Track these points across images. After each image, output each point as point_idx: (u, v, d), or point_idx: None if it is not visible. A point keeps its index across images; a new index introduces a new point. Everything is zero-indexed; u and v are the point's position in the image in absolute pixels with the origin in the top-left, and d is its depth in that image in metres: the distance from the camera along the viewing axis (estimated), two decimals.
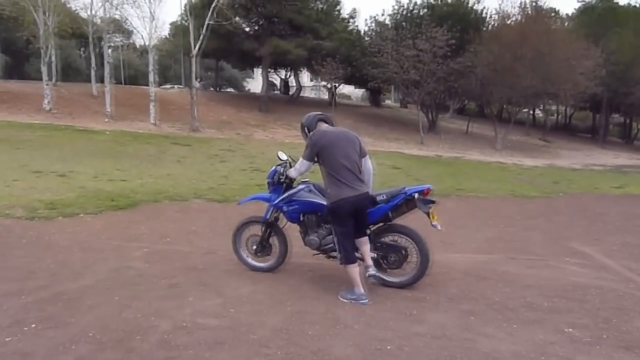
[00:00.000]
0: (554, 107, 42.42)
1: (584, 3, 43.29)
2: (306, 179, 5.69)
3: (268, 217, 5.74)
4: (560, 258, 6.80)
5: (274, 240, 5.86)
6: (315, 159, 5.09)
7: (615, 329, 4.43)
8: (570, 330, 4.40)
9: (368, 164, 5.21)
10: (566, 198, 12.55)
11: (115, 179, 11.75)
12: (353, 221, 5.02)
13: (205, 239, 7.31)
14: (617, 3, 40.34)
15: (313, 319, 4.48)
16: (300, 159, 5.21)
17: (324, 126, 5.27)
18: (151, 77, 23.69)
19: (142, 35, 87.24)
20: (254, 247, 5.84)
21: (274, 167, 5.70)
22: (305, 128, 5.33)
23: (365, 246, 5.13)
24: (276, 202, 5.60)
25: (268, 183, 5.73)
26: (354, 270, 4.98)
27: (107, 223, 8.06)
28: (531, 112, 41.72)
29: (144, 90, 25.03)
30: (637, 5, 39.78)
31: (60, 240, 6.97)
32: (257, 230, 5.86)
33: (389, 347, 3.94)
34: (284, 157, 5.72)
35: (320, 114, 5.42)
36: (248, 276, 5.62)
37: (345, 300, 4.91)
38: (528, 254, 7.01)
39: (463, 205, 11.11)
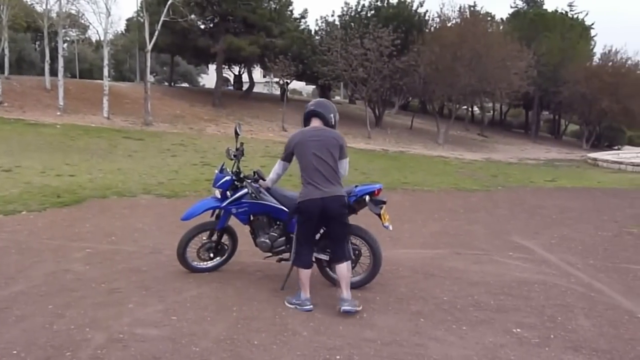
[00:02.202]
0: (490, 105, 43.09)
1: (516, 8, 44.15)
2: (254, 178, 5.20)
3: (225, 224, 5.25)
4: (503, 252, 6.59)
5: (226, 240, 5.39)
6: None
7: (562, 328, 4.19)
8: (518, 330, 4.13)
9: (343, 165, 4.55)
10: (505, 191, 12.52)
11: (63, 174, 10.97)
12: (316, 224, 4.52)
13: (151, 237, 6.74)
14: (546, 9, 41.27)
15: (260, 326, 4.04)
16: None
17: (313, 123, 4.59)
18: (105, 72, 22.67)
19: (97, 30, 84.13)
20: (209, 254, 5.32)
21: (220, 173, 5.19)
22: (303, 122, 4.74)
23: (344, 273, 4.42)
24: (225, 204, 5.12)
25: (217, 187, 5.20)
26: (304, 273, 4.51)
27: (50, 221, 7.37)
28: (470, 109, 42.27)
29: (98, 84, 23.86)
30: (564, 12, 40.77)
31: None
32: (206, 236, 5.32)
33: (338, 357, 3.56)
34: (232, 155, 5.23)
35: (314, 109, 4.60)
36: (193, 278, 5.12)
37: (290, 305, 4.46)
38: (473, 249, 6.78)
39: (409, 198, 10.88)
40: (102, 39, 23.60)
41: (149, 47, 22.01)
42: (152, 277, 5.15)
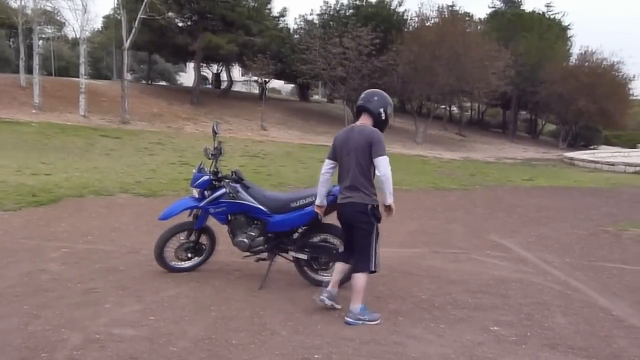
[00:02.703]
0: (468, 104, 43.49)
1: (494, 9, 44.63)
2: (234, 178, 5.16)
3: (203, 224, 5.21)
4: (481, 251, 6.65)
5: (205, 239, 5.35)
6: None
7: (539, 326, 4.24)
8: (496, 328, 4.17)
9: (378, 165, 4.04)
10: (483, 190, 12.65)
11: (38, 173, 10.79)
12: (346, 229, 4.30)
13: (128, 237, 6.66)
14: (524, 10, 41.81)
15: (238, 325, 4.02)
16: None
17: (362, 119, 4.29)
18: (82, 69, 22.29)
19: (73, 28, 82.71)
20: (187, 254, 5.28)
21: (199, 173, 5.15)
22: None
23: (356, 284, 4.17)
24: (203, 204, 5.08)
25: (195, 187, 5.15)
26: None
27: (26, 220, 7.25)
28: (448, 108, 42.62)
29: (75, 82, 23.50)
30: (541, 13, 41.34)
31: None
32: (184, 236, 5.27)
33: (316, 357, 3.55)
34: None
35: (362, 104, 4.29)
36: (171, 278, 5.07)
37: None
38: (451, 247, 6.83)
39: None
40: (78, 36, 23.24)
41: (127, 44, 21.76)
42: (129, 276, 5.09)
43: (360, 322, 4.08)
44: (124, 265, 5.46)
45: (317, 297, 4.33)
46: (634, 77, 35.94)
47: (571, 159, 23.85)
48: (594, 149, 36.43)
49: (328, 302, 4.29)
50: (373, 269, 4.20)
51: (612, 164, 20.52)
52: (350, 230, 4.25)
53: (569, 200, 11.46)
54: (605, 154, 28.19)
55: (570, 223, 8.79)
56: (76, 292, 4.64)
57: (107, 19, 35.84)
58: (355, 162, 4.11)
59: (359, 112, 4.34)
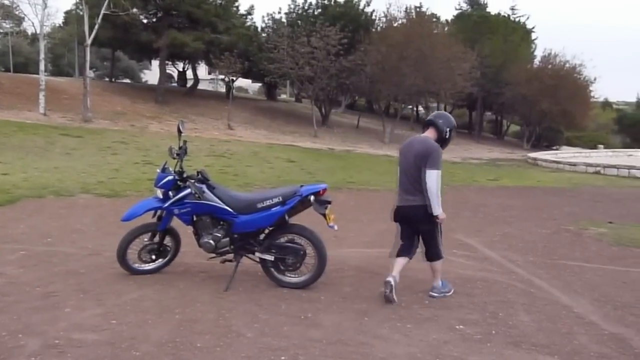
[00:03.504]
0: (435, 105, 44.04)
1: (460, 10, 45.35)
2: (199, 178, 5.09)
3: (167, 225, 5.13)
4: (447, 250, 6.66)
5: (169, 241, 5.27)
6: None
7: (503, 324, 4.33)
8: (461, 327, 4.23)
9: (428, 177, 4.50)
10: (449, 190, 12.78)
11: None
12: (408, 227, 4.82)
13: (90, 239, 6.52)
14: (489, 12, 42.60)
15: (203, 328, 3.97)
16: None
17: (427, 132, 4.83)
18: (42, 66, 21.67)
19: (33, 23, 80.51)
20: (151, 256, 5.19)
21: (163, 173, 5.07)
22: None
23: (436, 268, 4.89)
24: (167, 205, 5.00)
25: (159, 187, 5.07)
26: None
27: None
28: (415, 108, 43.09)
29: (34, 79, 22.87)
30: (506, 15, 42.18)
31: None
32: (147, 237, 5.19)
33: (283, 358, 3.54)
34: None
35: (432, 119, 4.85)
36: (134, 280, 4.98)
37: (439, 295, 4.83)
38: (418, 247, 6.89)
39: (354, 198, 10.98)
40: (38, 31, 22.55)
41: (89, 41, 21.29)
42: (90, 279, 4.98)
43: (443, 294, 4.86)
44: (85, 267, 5.33)
45: (386, 292, 4.62)
46: (594, 79, 36.99)
47: (535, 159, 24.41)
48: (557, 149, 37.39)
49: (437, 296, 4.84)
50: (442, 256, 4.93)
51: (574, 164, 21.09)
52: (410, 228, 4.78)
53: (532, 200, 11.72)
54: (567, 154, 28.94)
55: (533, 222, 8.99)
56: (34, 296, 4.51)
57: (69, 14, 35.01)
58: (415, 167, 4.56)
59: (426, 125, 4.87)
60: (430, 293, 4.88)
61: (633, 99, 66.63)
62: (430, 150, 4.53)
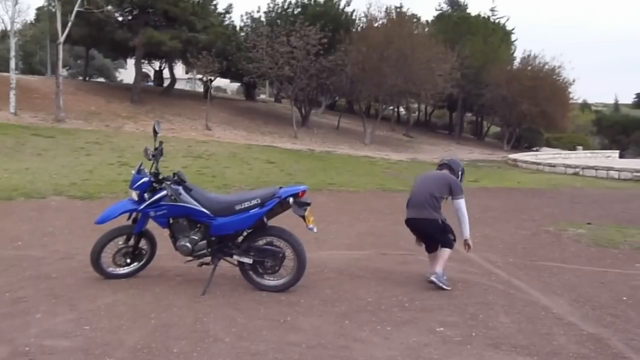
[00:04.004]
0: (415, 105, 44.33)
1: (440, 11, 45.73)
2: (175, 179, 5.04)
3: (142, 228, 5.08)
4: None
5: (144, 244, 5.22)
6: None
7: (483, 326, 4.37)
8: (441, 329, 4.26)
9: (457, 206, 5.34)
10: None
11: None
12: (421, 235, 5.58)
13: (62, 242, 6.43)
14: (469, 13, 43.01)
15: (179, 333, 3.94)
16: None
17: (430, 172, 5.77)
18: (12, 64, 21.26)
19: (2, 20, 78.91)
20: (126, 259, 5.14)
21: (138, 174, 5.01)
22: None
23: (442, 255, 5.37)
24: (142, 207, 4.95)
25: (134, 189, 5.01)
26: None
27: None
28: (396, 109, 43.31)
29: (4, 78, 22.44)
30: (486, 17, 42.63)
31: None
32: (122, 240, 5.13)
33: None
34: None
35: (447, 162, 5.67)
36: (108, 285, 4.92)
37: (440, 283, 5.19)
38: (398, 249, 6.95)
39: (335, 199, 11.00)
40: (8, 28, 22.17)
41: (61, 38, 20.94)
42: (62, 284, 4.91)
43: (441, 284, 5.20)
44: (56, 272, 5.26)
45: (426, 278, 5.34)
46: (573, 81, 37.51)
47: (515, 160, 24.70)
48: (537, 150, 37.87)
49: (437, 282, 5.19)
50: (453, 246, 5.49)
51: (553, 166, 21.39)
52: (426, 235, 5.47)
53: (512, 201, 11.86)
54: (546, 155, 29.35)
55: (513, 223, 9.10)
56: (4, 301, 4.45)
57: (40, 10, 34.43)
58: (430, 189, 5.33)
59: (441, 166, 5.66)
60: (431, 278, 5.24)
61: (611, 101, 68.04)
62: (451, 181, 5.38)
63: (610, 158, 30.78)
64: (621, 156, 34.41)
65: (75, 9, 20.87)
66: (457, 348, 3.92)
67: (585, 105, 59.01)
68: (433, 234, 5.42)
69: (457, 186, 5.37)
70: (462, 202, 5.35)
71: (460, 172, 5.60)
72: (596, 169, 19.33)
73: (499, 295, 5.19)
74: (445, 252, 5.40)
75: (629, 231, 8.44)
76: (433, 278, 5.24)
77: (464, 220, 5.38)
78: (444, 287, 5.23)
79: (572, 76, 58.17)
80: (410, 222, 5.49)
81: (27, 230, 6.93)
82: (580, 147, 39.42)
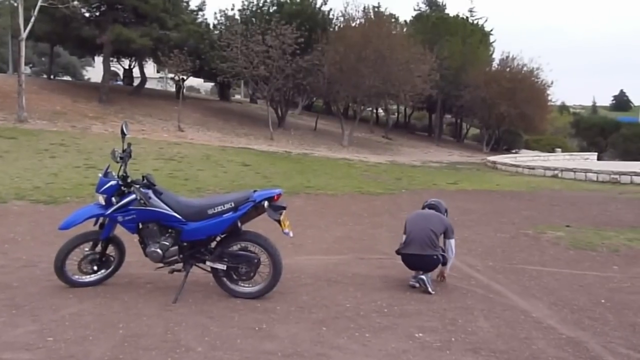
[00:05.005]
0: (394, 107, 44.60)
1: (419, 11, 46.12)
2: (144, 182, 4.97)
3: (110, 234, 5.00)
4: None
5: (112, 250, 5.14)
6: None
7: (462, 331, 4.40)
8: (420, 335, 4.28)
9: (447, 245, 5.69)
10: (408, 194, 12.99)
11: None
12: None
13: (24, 249, 6.30)
14: (448, 14, 43.46)
15: (149, 343, 3.88)
16: None
17: (423, 210, 6.01)
18: None
19: None
20: (93, 267, 5.05)
21: (105, 178, 4.93)
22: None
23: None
24: (110, 212, 4.87)
25: (101, 193, 4.93)
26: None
27: None
28: (374, 110, 43.51)
29: None
30: (465, 17, 43.12)
31: None
32: (88, 247, 5.05)
33: None
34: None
35: (434, 204, 6.06)
36: (74, 293, 4.83)
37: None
38: (377, 253, 6.97)
39: (312, 203, 10.99)
40: None
41: (24, 34, 20.52)
42: (24, 293, 4.81)
43: (429, 286, 5.40)
44: (18, 280, 5.15)
45: (415, 276, 5.57)
46: (551, 83, 38.17)
47: (494, 162, 25.01)
48: (516, 153, 38.40)
49: (428, 282, 5.39)
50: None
51: (532, 168, 21.70)
52: (426, 269, 5.55)
53: (491, 204, 11.99)
54: (525, 157, 29.77)
55: (492, 226, 9.20)
56: None
57: (1, 5, 33.68)
58: (431, 227, 5.56)
59: (429, 207, 6.02)
60: (422, 276, 5.45)
61: (589, 103, 69.41)
62: (449, 224, 5.75)
63: (589, 160, 31.37)
64: (599, 158, 35.14)
65: (39, 3, 20.44)
66: (437, 354, 3.95)
67: (563, 107, 60.13)
68: (433, 267, 5.61)
69: (451, 228, 5.77)
70: (453, 242, 5.76)
71: (445, 212, 6.05)
72: (575, 171, 19.66)
73: (478, 299, 5.24)
74: (445, 267, 5.78)
75: (606, 233, 8.59)
76: (424, 276, 5.42)
77: (451, 257, 5.74)
78: (430, 290, 5.36)
79: (551, 78, 59.22)
80: (412, 258, 5.60)
81: None
82: (559, 149, 40.10)
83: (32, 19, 20.41)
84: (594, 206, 12.03)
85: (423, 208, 6.09)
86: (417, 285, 5.47)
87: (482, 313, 4.84)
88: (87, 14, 27.26)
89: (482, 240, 8.01)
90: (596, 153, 36.85)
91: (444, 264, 5.66)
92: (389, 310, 4.83)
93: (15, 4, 21.84)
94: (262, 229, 5.19)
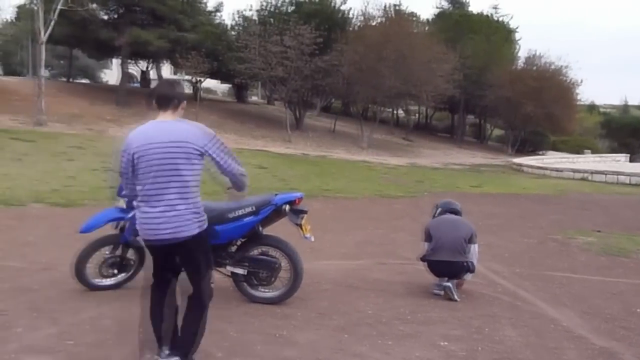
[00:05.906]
0: (415, 108, 44.43)
1: (441, 9, 45.90)
2: None
3: (131, 237, 5.05)
4: None
5: (132, 254, 5.19)
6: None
7: (489, 339, 4.36)
8: (445, 343, 4.25)
9: (472, 250, 5.62)
10: (430, 197, 12.89)
11: None
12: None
13: (43, 252, 6.38)
14: (471, 11, 43.22)
15: None
16: None
17: (447, 216, 5.92)
18: None
19: None
20: (113, 270, 5.11)
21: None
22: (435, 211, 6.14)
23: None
24: (130, 215, 4.91)
25: (122, 196, 4.98)
26: None
27: None
28: (394, 111, 43.42)
29: None
30: (489, 15, 42.86)
31: None
32: (108, 250, 5.11)
33: None
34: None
35: (455, 208, 6.02)
36: (93, 297, 4.89)
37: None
38: (397, 258, 6.95)
39: (331, 206, 10.99)
40: None
41: (44, 38, 20.93)
42: (44, 296, 4.87)
43: (454, 293, 5.39)
44: (37, 284, 5.22)
45: (438, 284, 5.54)
46: (580, 82, 37.68)
47: (519, 165, 24.80)
48: (542, 154, 38.00)
49: (453, 290, 5.36)
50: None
51: (560, 170, 21.49)
52: (454, 276, 5.55)
53: (517, 208, 11.90)
54: (552, 159, 29.49)
55: (518, 231, 9.12)
56: None
57: (21, 9, 34.34)
58: (461, 234, 5.58)
59: (450, 212, 5.99)
60: (447, 283, 5.42)
61: (620, 102, 68.40)
62: (474, 230, 5.74)
63: (620, 162, 30.97)
64: (631, 160, 34.63)
65: (58, 7, 20.85)
66: None
67: (592, 107, 59.26)
68: (460, 274, 5.61)
69: (475, 234, 5.79)
70: (477, 247, 5.75)
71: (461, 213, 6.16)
72: (605, 174, 19.42)
73: (505, 307, 5.19)
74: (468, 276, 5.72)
75: None
76: (449, 283, 5.40)
77: (476, 261, 5.72)
78: (456, 297, 5.34)
79: (579, 77, 58.43)
80: (441, 265, 5.57)
81: (6, 239, 6.86)
82: (588, 151, 39.59)
83: (52, 23, 20.78)
84: (626, 210, 11.88)
85: (438, 210, 6.06)
86: (442, 293, 5.40)
87: (509, 321, 4.80)
88: (105, 17, 27.74)
89: (507, 246, 7.95)
90: (628, 154, 36.30)
91: (472, 271, 5.62)
92: (412, 317, 4.81)
93: (35, 8, 22.24)
94: (282, 233, 5.21)
